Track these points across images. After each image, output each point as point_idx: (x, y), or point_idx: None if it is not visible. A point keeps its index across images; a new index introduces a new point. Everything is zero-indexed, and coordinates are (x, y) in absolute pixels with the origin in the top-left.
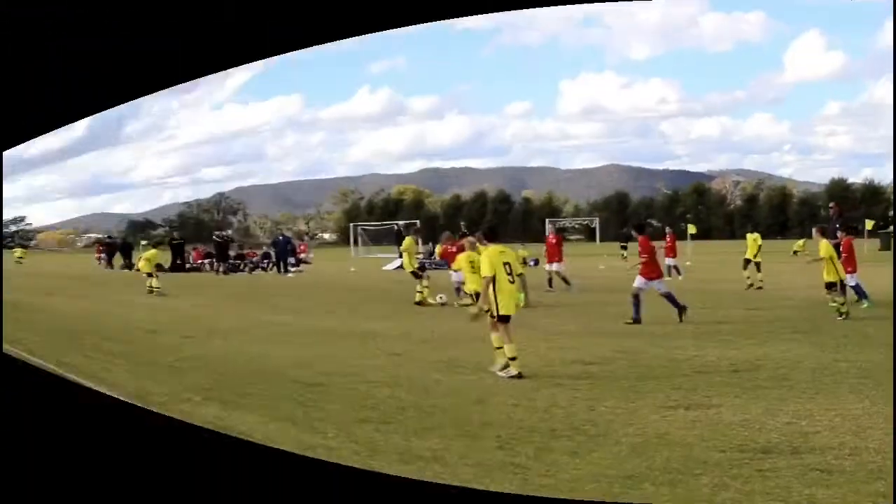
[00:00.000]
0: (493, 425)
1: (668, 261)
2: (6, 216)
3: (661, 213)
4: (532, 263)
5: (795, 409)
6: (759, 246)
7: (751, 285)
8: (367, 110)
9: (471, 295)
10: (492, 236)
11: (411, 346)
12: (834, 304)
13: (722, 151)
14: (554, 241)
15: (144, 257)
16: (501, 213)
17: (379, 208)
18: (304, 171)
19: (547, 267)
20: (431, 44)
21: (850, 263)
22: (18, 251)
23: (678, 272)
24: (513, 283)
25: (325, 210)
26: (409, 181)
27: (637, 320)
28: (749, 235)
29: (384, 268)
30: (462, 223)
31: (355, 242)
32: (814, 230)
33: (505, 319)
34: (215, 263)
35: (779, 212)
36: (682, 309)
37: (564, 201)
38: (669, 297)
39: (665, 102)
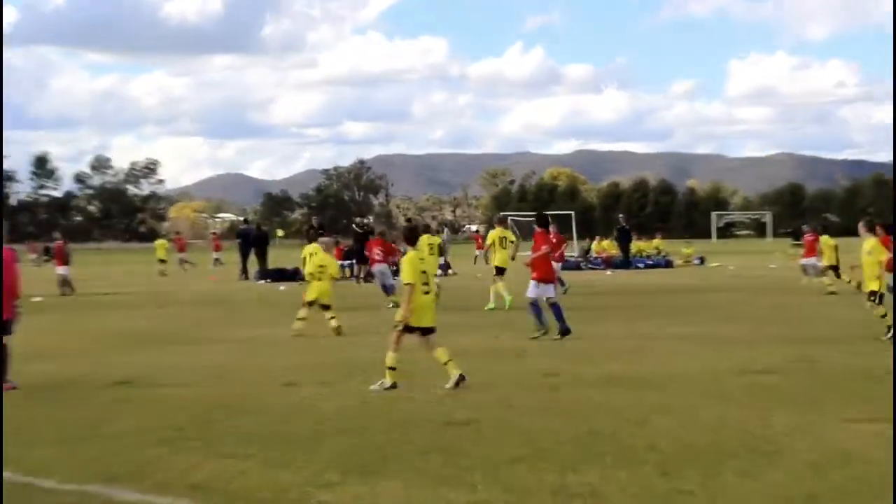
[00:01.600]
0: (657, 449)
1: (805, 261)
2: (124, 152)
3: (839, 207)
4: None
5: None
6: None
7: None
8: (520, 73)
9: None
10: (412, 239)
11: (567, 362)
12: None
13: None
14: (555, 239)
15: (314, 260)
16: (663, 204)
17: (532, 194)
18: (451, 141)
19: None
20: (591, 2)
21: None
22: (161, 245)
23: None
24: (428, 293)
25: (473, 194)
26: (562, 163)
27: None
28: None
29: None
30: (359, 220)
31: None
32: (860, 225)
33: (415, 331)
34: (355, 266)
35: None
36: (563, 331)
37: (732, 193)
38: (556, 309)
39: (843, 86)
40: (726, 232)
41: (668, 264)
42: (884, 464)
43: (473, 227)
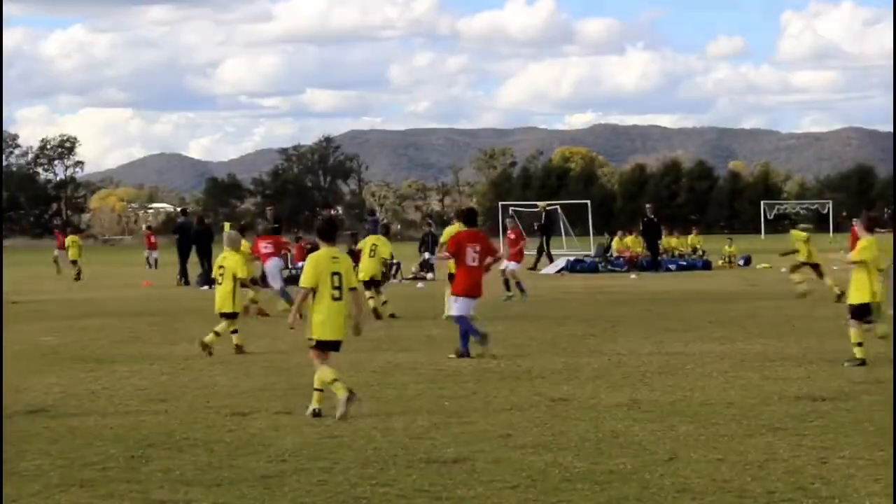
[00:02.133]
0: (689, 490)
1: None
2: (34, 127)
3: None
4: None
5: None
6: None
7: None
8: (523, 29)
9: None
10: (327, 235)
11: (578, 386)
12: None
13: None
14: (513, 235)
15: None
16: (700, 191)
17: (538, 179)
18: (439, 114)
19: (503, 266)
20: None
21: None
22: (73, 242)
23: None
24: (339, 299)
25: (465, 179)
26: (576, 141)
27: (466, 352)
28: None
29: (543, 271)
30: (326, 212)
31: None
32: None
33: (323, 346)
34: None
35: None
36: (461, 353)
37: (786, 177)
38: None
39: None
40: (778, 225)
41: (706, 265)
42: None
43: None
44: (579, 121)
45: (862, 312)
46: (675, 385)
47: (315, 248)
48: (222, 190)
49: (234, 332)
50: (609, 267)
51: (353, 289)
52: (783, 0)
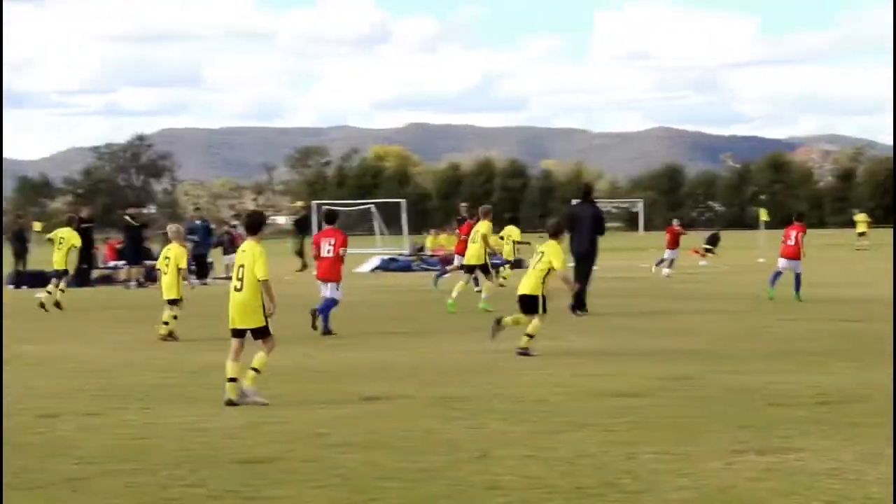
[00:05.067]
0: (500, 488)
1: (668, 253)
2: None
3: (726, 193)
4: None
5: None
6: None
7: None
8: (340, 27)
9: None
10: (249, 229)
11: (391, 383)
12: None
13: (808, 111)
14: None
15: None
16: (513, 189)
17: (353, 178)
18: (254, 112)
19: (456, 261)
20: None
21: None
22: None
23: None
24: (239, 290)
25: (280, 178)
26: (391, 140)
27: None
28: (859, 216)
29: (356, 270)
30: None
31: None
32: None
33: (234, 334)
34: (127, 266)
35: (883, 191)
36: (318, 324)
37: (598, 176)
38: (324, 311)
39: (735, 47)
40: None
41: (519, 263)
42: None
43: (280, 220)
44: (394, 119)
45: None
46: (488, 382)
47: (125, 247)
48: (32, 189)
49: (175, 318)
50: (423, 265)
51: (263, 281)
52: (597, 1)
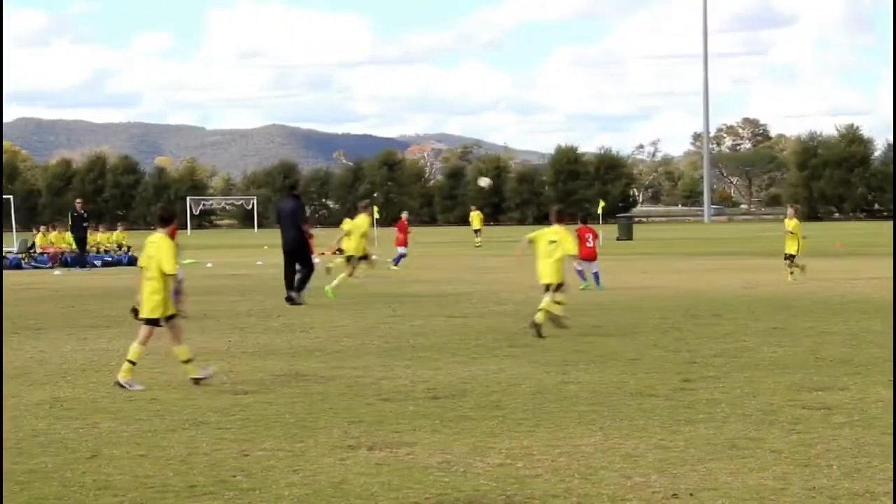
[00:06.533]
0: (111, 487)
1: (401, 249)
2: None
3: (340, 190)
4: None
5: (510, 447)
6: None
7: None
8: None
9: None
10: (160, 221)
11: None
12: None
13: (420, 111)
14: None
15: None
16: (126, 185)
17: None
18: None
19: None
20: None
21: None
22: None
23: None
24: (150, 279)
25: None
26: None
27: None
28: (474, 213)
29: None
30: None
31: None
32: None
33: (147, 322)
34: None
35: (492, 189)
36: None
37: (212, 173)
38: None
39: (349, 46)
40: (204, 221)
41: (132, 261)
42: (384, 498)
43: None
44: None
45: None
46: (99, 382)
47: None
48: None
49: None
50: (33, 264)
51: (170, 275)
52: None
